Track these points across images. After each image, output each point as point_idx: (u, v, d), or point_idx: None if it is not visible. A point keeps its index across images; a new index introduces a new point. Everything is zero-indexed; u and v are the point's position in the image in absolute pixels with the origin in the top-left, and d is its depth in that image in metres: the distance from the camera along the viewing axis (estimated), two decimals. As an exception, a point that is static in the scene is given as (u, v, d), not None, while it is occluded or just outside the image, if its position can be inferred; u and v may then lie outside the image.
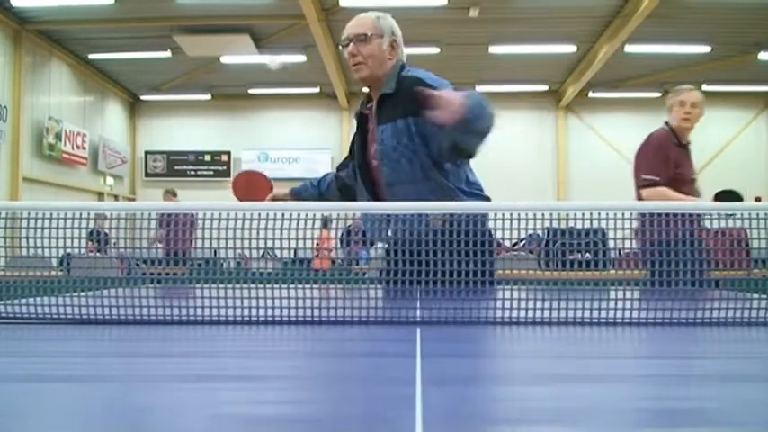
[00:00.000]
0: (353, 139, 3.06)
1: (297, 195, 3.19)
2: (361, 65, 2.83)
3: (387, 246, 2.63)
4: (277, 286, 1.70)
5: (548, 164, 18.28)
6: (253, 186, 3.17)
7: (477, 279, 1.96)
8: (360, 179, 2.94)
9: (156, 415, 0.80)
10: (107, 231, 2.16)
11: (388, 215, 2.27)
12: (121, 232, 2.00)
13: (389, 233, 2.38)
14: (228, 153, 18.81)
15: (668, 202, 3.96)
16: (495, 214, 1.80)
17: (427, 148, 2.72)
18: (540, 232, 2.12)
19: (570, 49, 14.47)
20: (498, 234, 1.85)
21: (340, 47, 2.95)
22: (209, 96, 18.35)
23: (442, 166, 2.74)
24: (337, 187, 3.17)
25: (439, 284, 1.88)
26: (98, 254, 2.68)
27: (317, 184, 3.26)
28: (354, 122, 3.08)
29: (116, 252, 2.60)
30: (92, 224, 1.92)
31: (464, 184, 2.81)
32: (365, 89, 2.99)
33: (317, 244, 2.64)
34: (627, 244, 2.08)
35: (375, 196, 2.87)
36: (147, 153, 19.03)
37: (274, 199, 3.10)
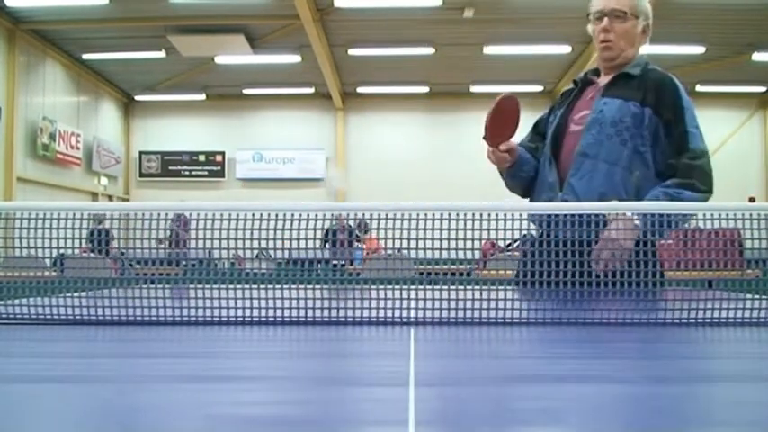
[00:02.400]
0: (548, 113, 2.90)
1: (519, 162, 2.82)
2: (610, 43, 2.67)
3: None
4: (271, 287, 1.70)
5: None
6: (503, 122, 2.69)
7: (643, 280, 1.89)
8: (548, 145, 2.75)
9: (150, 415, 0.80)
10: (107, 230, 2.16)
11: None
12: (115, 233, 2.00)
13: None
14: (223, 153, 18.79)
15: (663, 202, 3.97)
16: (490, 215, 1.80)
17: (648, 146, 2.57)
18: (534, 233, 2.13)
19: (565, 49, 14.51)
20: (492, 234, 1.84)
21: (590, 18, 2.73)
22: (203, 96, 18.33)
23: (654, 172, 2.58)
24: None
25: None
26: (98, 255, 2.67)
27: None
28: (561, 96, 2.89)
29: (110, 252, 2.59)
30: (91, 224, 1.92)
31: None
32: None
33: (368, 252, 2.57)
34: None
35: (558, 165, 2.70)
36: (141, 153, 19.00)
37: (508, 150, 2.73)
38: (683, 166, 2.52)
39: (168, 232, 1.98)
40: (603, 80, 2.75)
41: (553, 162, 2.71)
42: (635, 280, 1.84)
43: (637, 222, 2.17)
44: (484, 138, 2.64)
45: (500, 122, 2.62)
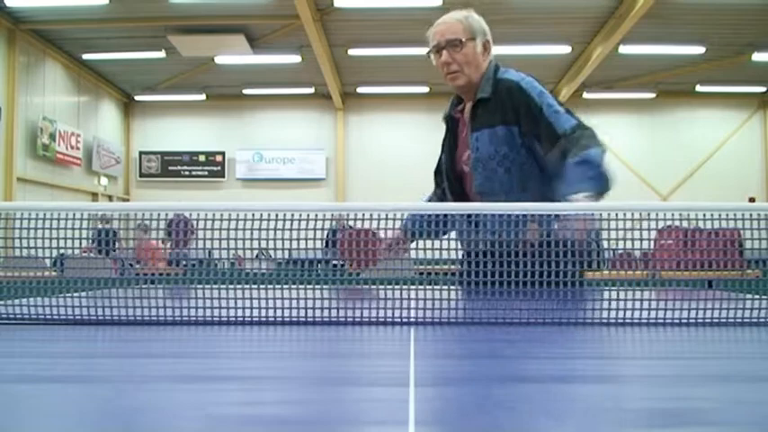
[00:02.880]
0: (443, 143, 2.87)
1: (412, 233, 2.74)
2: (457, 73, 2.65)
3: (469, 248, 2.28)
4: (271, 287, 1.70)
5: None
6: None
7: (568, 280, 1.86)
8: (447, 186, 2.79)
9: (150, 416, 0.80)
10: (114, 230, 2.16)
11: (476, 220, 2.09)
12: (122, 233, 2.00)
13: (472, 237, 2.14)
14: (223, 153, 18.78)
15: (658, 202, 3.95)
16: (486, 215, 1.80)
17: (532, 159, 2.58)
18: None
19: (565, 49, 14.49)
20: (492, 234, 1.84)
21: (428, 55, 2.74)
22: (203, 96, 18.32)
23: (544, 178, 2.56)
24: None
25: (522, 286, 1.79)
26: (104, 255, 2.67)
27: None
28: (443, 125, 2.88)
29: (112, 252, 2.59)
30: (98, 224, 1.92)
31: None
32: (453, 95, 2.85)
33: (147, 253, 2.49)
34: (621, 244, 2.09)
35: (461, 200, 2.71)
36: (141, 153, 18.99)
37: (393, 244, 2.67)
38: (567, 145, 2.48)
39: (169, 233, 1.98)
40: (467, 109, 2.73)
41: (460, 200, 2.73)
42: (572, 279, 1.84)
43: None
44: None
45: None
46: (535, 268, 1.79)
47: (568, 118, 2.57)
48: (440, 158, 2.93)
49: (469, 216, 2.10)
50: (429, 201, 2.99)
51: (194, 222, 1.80)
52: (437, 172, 2.98)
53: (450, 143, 2.79)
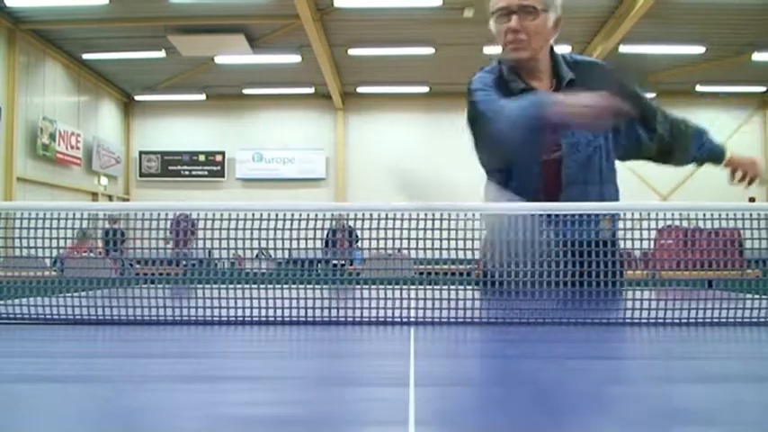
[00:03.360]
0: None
1: None
2: (523, 43, 2.37)
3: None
4: (271, 287, 1.70)
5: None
6: None
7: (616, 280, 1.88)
8: (519, 178, 2.41)
9: (150, 415, 0.80)
10: (123, 230, 2.15)
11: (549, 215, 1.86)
12: (130, 233, 2.00)
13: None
14: (223, 153, 18.78)
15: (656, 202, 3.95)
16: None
17: (617, 147, 2.48)
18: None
19: (565, 49, 14.45)
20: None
21: (492, 19, 2.42)
22: (203, 96, 18.31)
23: (614, 171, 2.53)
24: None
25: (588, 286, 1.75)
26: (110, 254, 2.67)
27: None
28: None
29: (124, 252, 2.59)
30: (106, 224, 1.92)
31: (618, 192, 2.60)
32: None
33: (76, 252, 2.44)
34: (621, 244, 2.09)
35: (544, 193, 2.37)
36: (141, 153, 18.99)
37: None
38: (666, 114, 2.58)
39: (172, 233, 1.97)
40: (541, 87, 2.45)
41: (542, 193, 2.41)
42: (604, 279, 1.81)
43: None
44: None
45: None
46: (592, 268, 1.77)
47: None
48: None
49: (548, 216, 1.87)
50: None
51: (196, 222, 1.80)
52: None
53: None
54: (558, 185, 2.39)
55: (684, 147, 2.57)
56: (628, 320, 1.60)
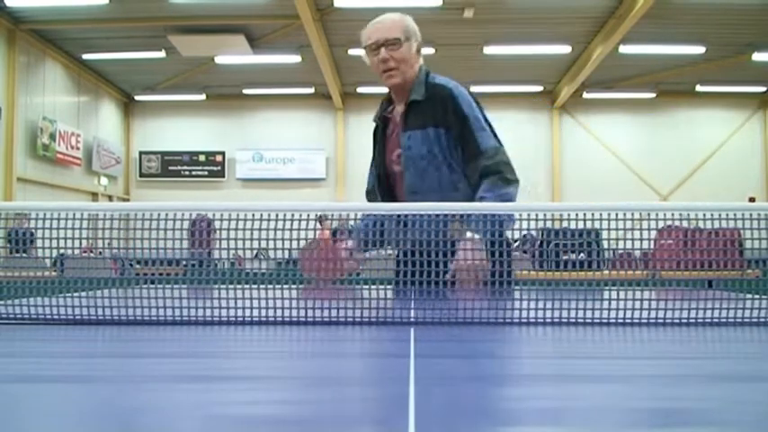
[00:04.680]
0: (374, 148, 2.98)
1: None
2: (394, 71, 2.74)
3: (398, 249, 2.38)
4: (271, 287, 1.70)
5: (542, 164, 18.29)
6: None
7: (496, 280, 1.92)
8: (376, 186, 2.89)
9: (151, 416, 0.80)
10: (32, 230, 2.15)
11: (404, 220, 2.09)
12: (115, 233, 2.00)
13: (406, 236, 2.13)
14: (223, 153, 18.79)
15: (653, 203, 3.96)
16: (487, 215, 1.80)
17: (458, 162, 2.71)
18: (534, 233, 2.13)
19: (565, 49, 14.50)
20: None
21: (365, 53, 2.83)
22: (203, 96, 18.32)
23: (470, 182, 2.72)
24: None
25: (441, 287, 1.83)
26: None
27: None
28: (372, 126, 3.00)
29: (110, 252, 2.59)
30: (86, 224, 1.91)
31: None
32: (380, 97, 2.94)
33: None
34: (621, 244, 2.09)
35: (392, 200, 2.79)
36: (141, 153, 19.00)
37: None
38: (485, 168, 2.66)
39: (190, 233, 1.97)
40: (398, 110, 2.84)
41: (391, 200, 2.81)
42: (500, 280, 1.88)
43: (477, 237, 2.26)
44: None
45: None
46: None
47: (491, 137, 2.73)
48: (371, 169, 3.00)
49: (398, 216, 2.12)
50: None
51: (216, 223, 1.80)
52: (369, 190, 3.01)
53: (381, 144, 2.89)
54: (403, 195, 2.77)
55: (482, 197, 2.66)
56: (628, 321, 1.60)
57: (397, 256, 2.08)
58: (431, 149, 2.70)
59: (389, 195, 2.85)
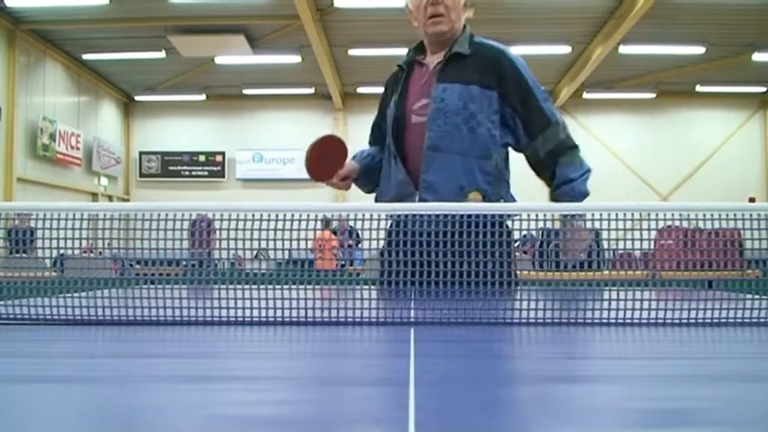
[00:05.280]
0: (385, 96, 2.77)
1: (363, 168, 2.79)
2: (442, 17, 2.55)
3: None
4: (271, 287, 1.70)
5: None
6: (327, 157, 2.67)
7: (501, 280, 1.85)
8: (390, 139, 2.65)
9: (151, 416, 0.80)
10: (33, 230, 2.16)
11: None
12: (115, 233, 2.00)
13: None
14: (223, 153, 18.79)
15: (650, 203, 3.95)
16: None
17: (504, 132, 2.56)
18: (534, 233, 2.13)
19: (565, 49, 14.50)
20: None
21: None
22: (203, 97, 18.33)
23: (506, 159, 2.62)
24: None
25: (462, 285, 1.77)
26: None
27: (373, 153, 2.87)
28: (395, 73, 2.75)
29: (109, 252, 2.59)
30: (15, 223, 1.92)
31: (507, 185, 2.66)
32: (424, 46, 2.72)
33: (320, 245, 2.56)
34: (621, 245, 2.09)
35: (404, 160, 2.60)
36: (141, 153, 19.00)
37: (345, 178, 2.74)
38: (562, 142, 2.55)
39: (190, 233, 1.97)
40: (432, 60, 2.65)
41: (398, 158, 2.62)
42: (499, 280, 1.83)
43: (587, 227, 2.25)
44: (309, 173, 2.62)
45: (325, 160, 2.63)
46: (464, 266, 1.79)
47: (556, 110, 2.60)
48: (380, 113, 2.82)
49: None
50: (366, 157, 2.87)
51: (216, 223, 1.80)
52: (375, 127, 2.89)
53: (401, 90, 2.66)
54: (420, 150, 2.55)
55: (552, 172, 2.56)
56: (628, 321, 1.60)
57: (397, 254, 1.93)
58: (468, 106, 2.50)
59: (397, 148, 2.62)
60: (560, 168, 2.53)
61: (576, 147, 2.56)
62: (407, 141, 2.61)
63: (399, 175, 2.60)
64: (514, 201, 2.63)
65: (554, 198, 2.53)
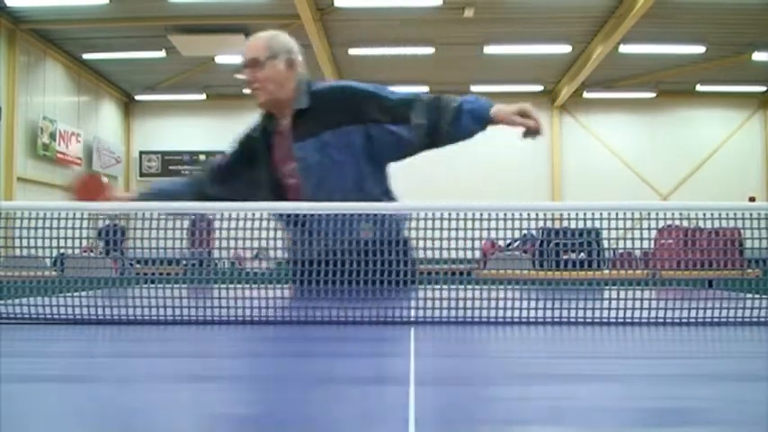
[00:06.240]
0: (241, 151, 2.92)
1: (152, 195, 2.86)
2: (258, 90, 2.70)
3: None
4: (271, 287, 1.70)
5: (542, 164, 18.29)
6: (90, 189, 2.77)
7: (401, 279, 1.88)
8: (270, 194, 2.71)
9: (150, 416, 0.80)
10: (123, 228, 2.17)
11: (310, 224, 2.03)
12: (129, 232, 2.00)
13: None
14: (223, 153, 18.76)
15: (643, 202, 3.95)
16: (490, 214, 1.80)
17: (366, 157, 2.64)
18: (534, 232, 2.13)
19: (565, 49, 14.49)
20: (492, 234, 1.84)
21: (239, 73, 2.81)
22: (203, 96, 18.31)
23: (379, 176, 2.71)
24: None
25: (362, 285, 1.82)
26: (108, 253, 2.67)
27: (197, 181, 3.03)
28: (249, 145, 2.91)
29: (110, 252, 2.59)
30: (100, 223, 1.92)
31: (390, 193, 2.78)
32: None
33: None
34: (621, 244, 2.09)
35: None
36: (141, 153, 18.98)
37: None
38: (431, 102, 2.61)
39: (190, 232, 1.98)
40: (284, 123, 2.74)
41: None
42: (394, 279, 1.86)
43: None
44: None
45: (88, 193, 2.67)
46: (369, 267, 1.82)
47: (411, 93, 2.69)
48: (223, 162, 3.00)
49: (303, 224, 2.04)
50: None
51: (216, 223, 1.80)
52: (216, 167, 3.03)
53: (265, 158, 2.78)
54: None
55: (450, 120, 2.57)
56: (628, 320, 1.60)
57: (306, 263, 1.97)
58: (327, 155, 2.63)
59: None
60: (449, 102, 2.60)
61: (453, 100, 2.60)
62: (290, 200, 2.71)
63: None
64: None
65: (457, 128, 2.57)
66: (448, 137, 2.61)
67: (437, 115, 2.57)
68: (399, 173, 2.82)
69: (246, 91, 2.74)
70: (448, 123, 2.55)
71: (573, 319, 1.61)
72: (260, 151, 2.80)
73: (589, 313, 1.62)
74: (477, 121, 2.52)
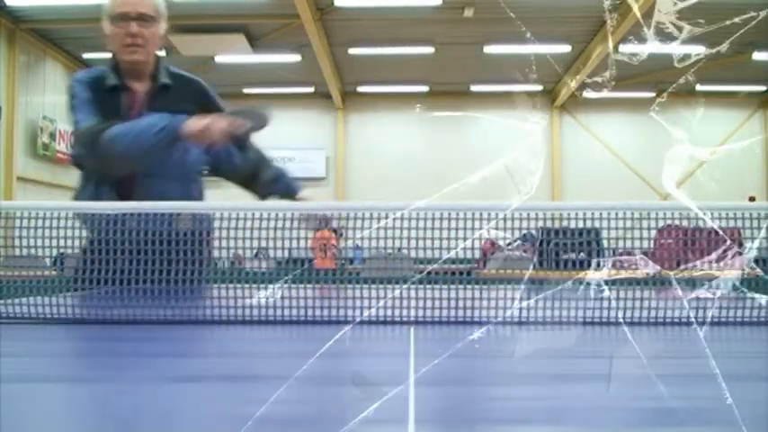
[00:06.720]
0: (89, 98, 2.59)
1: None
2: (140, 48, 2.56)
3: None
4: (271, 286, 1.70)
5: (542, 163, 18.26)
6: None
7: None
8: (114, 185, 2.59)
9: (150, 415, 0.80)
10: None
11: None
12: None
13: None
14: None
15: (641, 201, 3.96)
16: (490, 214, 1.80)
17: (201, 153, 2.73)
18: (534, 232, 2.13)
19: (565, 48, 14.49)
20: (492, 234, 1.84)
21: (107, 21, 2.60)
22: (203, 96, 18.30)
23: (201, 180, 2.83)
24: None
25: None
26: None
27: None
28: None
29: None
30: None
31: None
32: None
33: (322, 244, 2.56)
34: (621, 244, 2.09)
35: (119, 185, 2.55)
36: (141, 153, 18.98)
37: None
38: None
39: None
40: (137, 87, 2.63)
41: (112, 185, 2.58)
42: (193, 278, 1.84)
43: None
44: None
45: None
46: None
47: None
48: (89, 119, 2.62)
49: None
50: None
51: (216, 223, 1.80)
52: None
53: (111, 112, 2.56)
54: (133, 177, 2.58)
55: (268, 178, 2.95)
56: (628, 320, 1.60)
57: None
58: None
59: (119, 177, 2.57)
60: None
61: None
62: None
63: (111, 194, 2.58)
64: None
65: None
66: (259, 188, 3.09)
67: (260, 166, 2.98)
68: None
69: (124, 43, 2.57)
70: (266, 179, 2.97)
71: (572, 319, 1.61)
72: (113, 102, 2.61)
73: (589, 313, 1.62)
74: (287, 193, 2.99)
